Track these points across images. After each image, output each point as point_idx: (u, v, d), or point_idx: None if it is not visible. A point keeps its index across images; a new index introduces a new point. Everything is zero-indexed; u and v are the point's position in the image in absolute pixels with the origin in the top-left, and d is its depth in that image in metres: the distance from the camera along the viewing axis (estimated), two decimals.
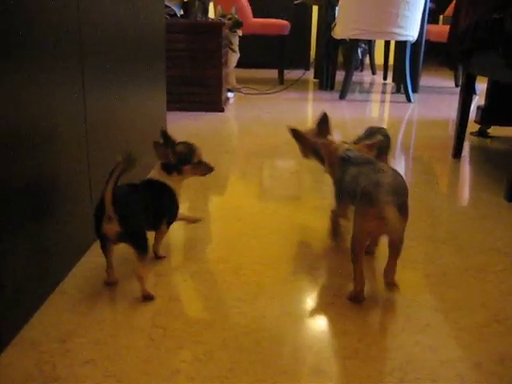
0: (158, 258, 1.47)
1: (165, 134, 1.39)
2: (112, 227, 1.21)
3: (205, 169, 1.46)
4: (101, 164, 1.53)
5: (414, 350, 1.11)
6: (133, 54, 1.83)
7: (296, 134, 1.58)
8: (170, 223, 1.46)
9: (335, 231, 1.57)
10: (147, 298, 1.26)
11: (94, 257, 1.47)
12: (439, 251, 1.57)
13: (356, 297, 1.28)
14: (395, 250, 1.26)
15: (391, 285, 1.27)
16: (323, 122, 1.56)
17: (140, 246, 1.26)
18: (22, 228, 1.13)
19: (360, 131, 1.80)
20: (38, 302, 1.23)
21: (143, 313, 1.23)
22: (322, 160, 1.53)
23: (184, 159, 1.41)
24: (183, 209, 1.87)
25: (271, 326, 1.18)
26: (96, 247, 1.52)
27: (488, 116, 3.00)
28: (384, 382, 1.01)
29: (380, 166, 1.27)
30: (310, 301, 1.31)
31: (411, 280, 1.41)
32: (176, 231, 1.70)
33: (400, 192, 1.19)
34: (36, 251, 1.20)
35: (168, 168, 1.40)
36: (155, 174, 1.42)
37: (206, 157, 1.47)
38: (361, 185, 1.22)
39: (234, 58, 4.27)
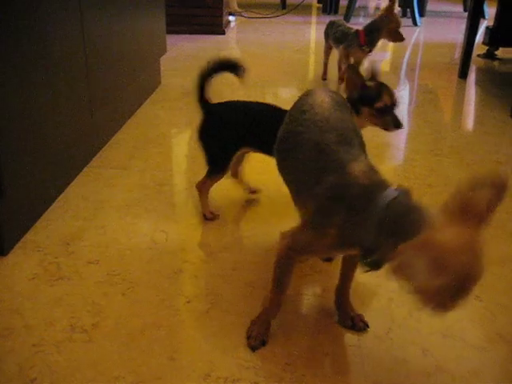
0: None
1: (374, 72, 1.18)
2: None
3: (389, 122, 1.17)
4: (101, 87, 1.50)
5: None
6: None
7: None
8: None
9: None
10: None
11: (95, 167, 1.47)
12: (442, 163, 1.56)
13: None
14: None
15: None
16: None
17: None
18: (26, 137, 1.11)
19: None
20: (41, 208, 1.24)
21: (146, 219, 1.23)
22: None
23: (367, 98, 1.14)
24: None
25: (275, 231, 1.19)
26: (97, 158, 1.51)
27: (496, 37, 2.92)
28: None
29: None
30: None
31: (413, 189, 1.40)
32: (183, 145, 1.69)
33: None
34: (40, 159, 1.19)
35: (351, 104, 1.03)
36: None
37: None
38: None
39: None
